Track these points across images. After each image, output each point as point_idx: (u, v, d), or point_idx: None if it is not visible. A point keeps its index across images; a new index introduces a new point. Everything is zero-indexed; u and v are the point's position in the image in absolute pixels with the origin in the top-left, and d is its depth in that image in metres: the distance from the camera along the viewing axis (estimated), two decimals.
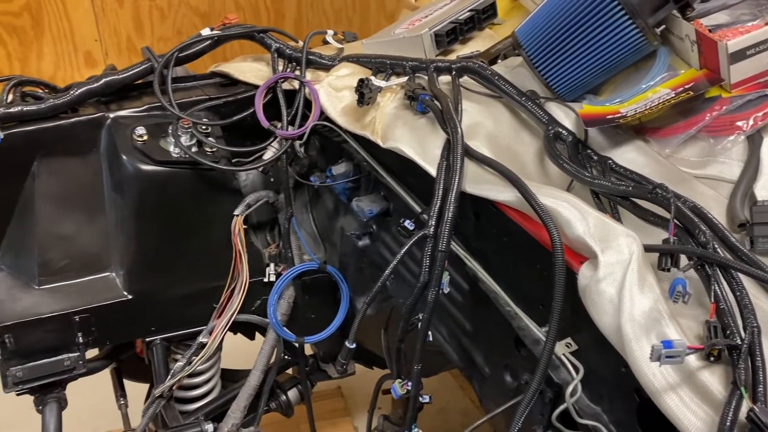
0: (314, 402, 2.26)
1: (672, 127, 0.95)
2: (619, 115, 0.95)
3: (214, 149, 1.25)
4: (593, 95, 1.03)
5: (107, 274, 1.28)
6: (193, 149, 1.23)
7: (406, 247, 0.92)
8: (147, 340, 1.33)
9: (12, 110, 1.20)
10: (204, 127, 1.26)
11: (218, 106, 1.32)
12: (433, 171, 0.96)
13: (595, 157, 0.95)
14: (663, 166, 0.93)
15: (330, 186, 1.34)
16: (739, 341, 0.63)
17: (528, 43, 1.04)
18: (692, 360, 0.65)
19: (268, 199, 1.35)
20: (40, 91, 1.31)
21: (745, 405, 0.60)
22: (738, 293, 0.68)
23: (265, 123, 1.25)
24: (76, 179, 1.25)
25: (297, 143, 1.27)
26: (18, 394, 1.22)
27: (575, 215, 0.79)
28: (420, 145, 1.00)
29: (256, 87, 1.33)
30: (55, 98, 1.24)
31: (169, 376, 1.31)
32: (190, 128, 1.22)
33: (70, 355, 1.24)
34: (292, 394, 1.57)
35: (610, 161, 0.93)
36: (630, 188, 0.85)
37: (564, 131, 0.97)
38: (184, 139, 1.22)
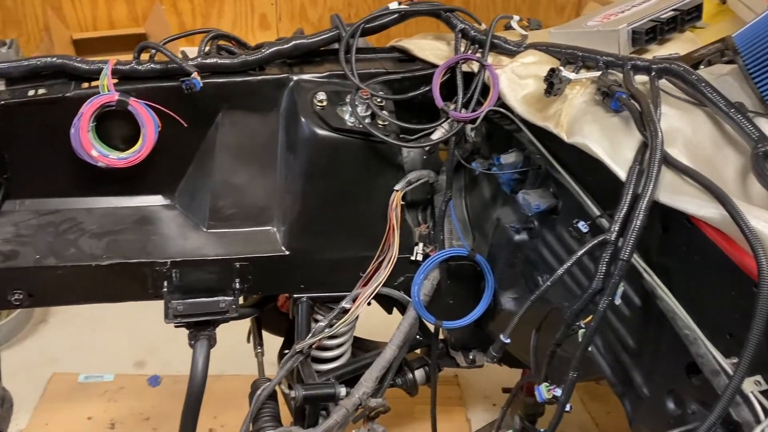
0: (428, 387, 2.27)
1: None
2: None
3: (386, 123, 1.27)
4: None
5: (269, 228, 1.34)
6: (367, 120, 1.25)
7: (585, 249, 0.88)
8: (294, 296, 1.38)
9: (208, 61, 1.27)
10: (379, 100, 1.27)
11: (394, 81, 1.33)
12: (623, 174, 0.90)
13: None
14: None
15: (492, 174, 1.32)
16: None
17: (747, 51, 0.95)
18: None
19: (428, 179, 1.34)
20: (233, 46, 1.38)
21: None
22: None
23: (440, 102, 1.24)
24: (254, 134, 1.31)
25: (468, 127, 1.25)
26: (176, 326, 1.31)
27: None
28: (611, 144, 0.95)
29: (433, 66, 1.32)
30: (246, 54, 1.30)
31: (311, 334, 1.35)
32: (368, 99, 1.24)
33: (226, 298, 1.31)
34: (419, 374, 1.58)
35: None
36: None
37: None
38: (360, 109, 1.24)
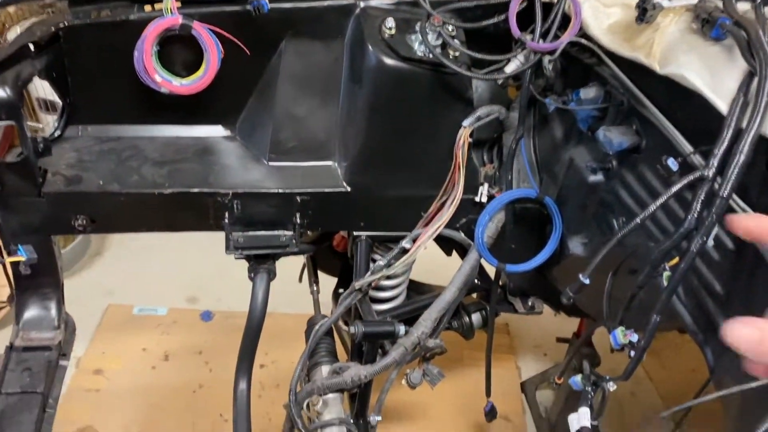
0: (480, 333, 2.26)
1: None
2: None
3: (458, 53, 1.20)
4: None
5: (330, 163, 1.30)
6: (438, 50, 1.18)
7: (680, 185, 0.81)
8: (354, 234, 1.35)
9: None
10: (451, 29, 1.21)
11: (467, 9, 1.26)
12: (724, 107, 0.83)
13: None
14: None
15: (566, 112, 1.25)
16: None
17: None
18: None
19: (499, 115, 1.28)
20: None
21: None
22: None
23: (516, 32, 1.17)
24: (318, 63, 1.27)
25: (546, 59, 1.18)
26: (236, 258, 1.30)
27: None
28: (711, 74, 0.87)
29: None
30: None
31: (369, 273, 1.33)
32: (439, 27, 1.18)
33: (286, 232, 1.29)
34: (476, 318, 1.56)
35: None
36: None
37: None
38: (431, 38, 1.18)
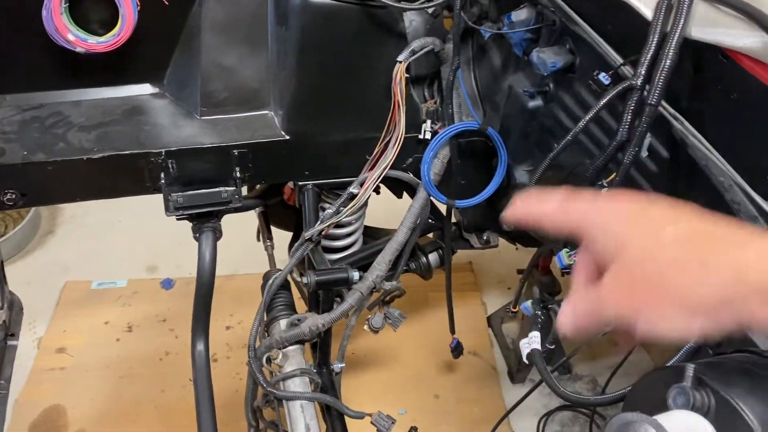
0: (442, 273, 2.27)
1: None
2: None
3: None
4: None
5: (266, 112, 1.26)
6: None
7: (609, 97, 0.80)
8: (299, 183, 1.32)
9: None
10: None
11: None
12: (648, 12, 0.81)
13: None
14: None
15: (501, 38, 1.22)
16: None
17: None
18: None
19: (433, 47, 1.25)
20: None
21: None
22: None
23: None
24: (242, 8, 1.21)
25: None
26: (177, 219, 1.27)
27: None
28: None
29: None
30: None
31: (319, 222, 1.31)
32: None
33: (227, 188, 1.25)
34: (433, 257, 1.55)
35: None
36: None
37: None
38: None
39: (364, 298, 1.30)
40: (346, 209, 1.31)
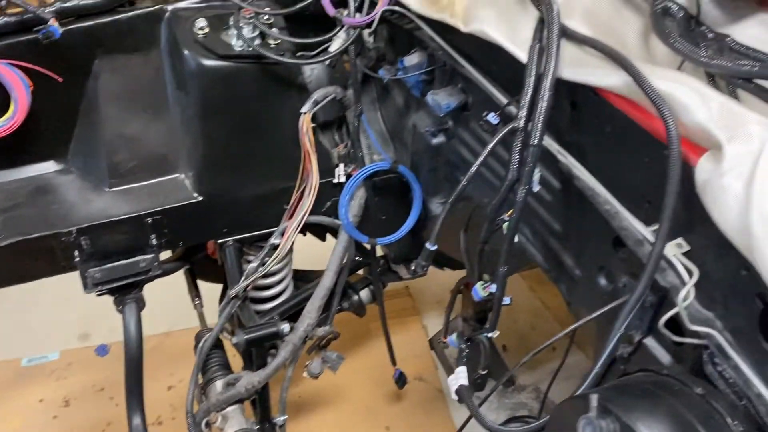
0: (384, 302, 2.28)
1: None
2: None
3: (278, 41, 1.18)
4: None
5: (177, 175, 1.26)
6: (256, 42, 1.16)
7: (495, 141, 0.84)
8: (219, 241, 1.32)
9: (69, 4, 1.15)
10: (267, 18, 1.18)
11: None
12: (523, 56, 0.86)
13: (710, 35, 0.83)
14: None
15: (401, 80, 1.26)
16: None
17: None
18: None
19: (335, 95, 1.27)
20: None
21: None
22: None
23: (330, 10, 1.16)
24: (139, 77, 1.21)
25: (365, 32, 1.18)
26: (98, 295, 1.24)
27: (695, 100, 0.69)
28: (508, 26, 0.90)
29: None
30: None
31: (243, 277, 1.31)
32: (253, 19, 1.14)
33: (145, 256, 1.24)
34: (364, 294, 1.57)
35: (728, 39, 0.81)
36: (756, 68, 0.73)
37: (673, 5, 0.85)
38: (247, 31, 1.15)
39: (298, 348, 1.31)
40: (270, 261, 1.32)
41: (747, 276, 0.66)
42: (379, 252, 1.60)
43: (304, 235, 1.44)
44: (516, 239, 0.92)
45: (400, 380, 1.74)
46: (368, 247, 1.46)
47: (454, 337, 1.11)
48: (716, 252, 0.70)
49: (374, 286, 1.53)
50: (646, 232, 0.77)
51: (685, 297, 0.70)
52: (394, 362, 1.71)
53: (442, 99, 1.10)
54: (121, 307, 1.26)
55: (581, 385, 0.75)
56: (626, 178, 0.80)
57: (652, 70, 0.73)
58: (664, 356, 0.79)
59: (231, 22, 1.16)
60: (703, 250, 0.72)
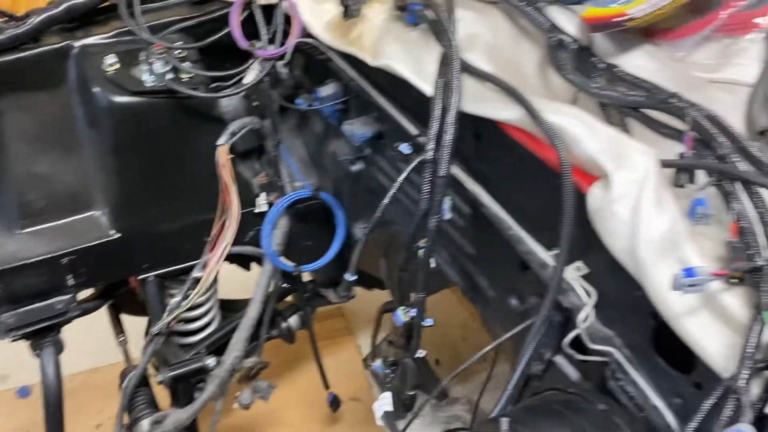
0: (316, 324, 2.26)
1: (684, 27, 0.88)
2: (627, 17, 0.87)
3: (191, 75, 1.17)
4: None
5: (91, 213, 1.23)
6: (168, 76, 1.15)
7: (405, 174, 0.87)
8: (140, 277, 1.29)
9: None
10: (179, 52, 1.17)
11: (193, 27, 1.23)
12: (429, 90, 0.89)
13: (601, 66, 0.89)
14: (675, 71, 0.86)
15: (318, 109, 1.27)
16: (761, 262, 0.59)
17: None
18: (713, 283, 0.62)
19: (252, 126, 1.27)
20: None
21: None
22: (760, 210, 0.64)
23: (242, 43, 1.16)
24: (47, 115, 1.18)
25: (279, 64, 1.18)
26: (13, 341, 1.20)
27: (584, 132, 0.73)
28: (414, 61, 0.93)
29: (231, 3, 1.23)
30: (14, 28, 1.14)
31: (166, 313, 1.28)
32: (164, 54, 1.14)
33: (62, 297, 1.20)
34: (293, 321, 1.57)
35: (617, 69, 0.87)
36: (641, 98, 0.79)
37: (567, 38, 0.90)
38: (158, 66, 1.14)
39: (226, 381, 1.29)
40: (192, 295, 1.30)
41: (640, 296, 0.70)
42: (309, 277, 1.60)
43: (231, 262, 1.43)
44: (434, 264, 0.94)
45: (334, 403, 1.75)
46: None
47: (379, 362, 1.13)
48: (612, 274, 0.74)
49: (303, 313, 1.53)
50: (548, 256, 0.81)
51: (585, 318, 0.74)
52: (327, 386, 1.71)
53: (357, 129, 1.12)
54: (38, 351, 1.22)
55: (495, 407, 0.78)
56: (528, 205, 0.84)
57: (545, 105, 0.77)
58: (573, 373, 0.83)
59: (142, 58, 1.14)
60: (602, 272, 0.76)
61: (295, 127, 1.43)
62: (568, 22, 0.92)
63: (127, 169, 1.19)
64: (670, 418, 0.69)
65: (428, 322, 1.15)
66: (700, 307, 0.62)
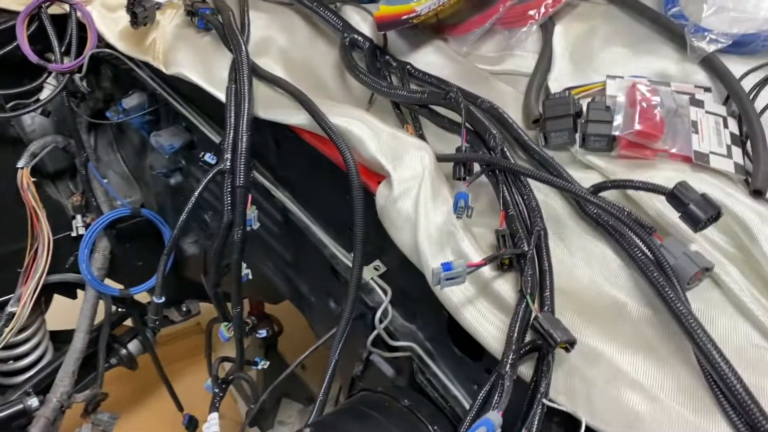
0: (175, 342, 2.17)
1: (468, 22, 0.91)
2: (414, 14, 0.89)
3: None
4: None
5: None
6: None
7: (201, 186, 0.82)
8: None
9: None
10: None
11: None
12: (222, 96, 0.86)
13: (394, 63, 0.90)
14: (461, 65, 0.89)
15: (129, 121, 1.20)
16: (525, 247, 0.62)
17: None
18: (486, 270, 0.63)
19: (56, 145, 1.19)
20: None
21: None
22: (525, 197, 0.67)
23: (33, 57, 1.07)
24: None
25: (77, 77, 1.10)
26: None
27: (367, 134, 0.73)
28: (205, 68, 0.89)
29: (16, 14, 1.13)
30: None
31: None
32: None
33: None
34: (133, 346, 1.48)
35: (408, 66, 0.88)
36: (425, 95, 0.80)
37: (360, 38, 0.90)
38: None
39: (52, 421, 1.20)
40: (8, 331, 1.19)
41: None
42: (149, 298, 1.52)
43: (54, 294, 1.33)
44: (251, 276, 0.91)
45: (191, 424, 1.67)
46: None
47: (208, 382, 1.09)
48: (407, 269, 0.75)
49: (142, 336, 1.45)
50: (350, 259, 0.81)
51: (384, 315, 0.75)
52: (180, 408, 1.64)
53: (165, 140, 1.07)
54: None
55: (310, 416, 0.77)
56: (329, 208, 0.84)
57: (330, 108, 0.76)
58: (388, 370, 0.84)
59: None
60: (398, 269, 0.77)
61: (112, 142, 1.35)
62: (362, 21, 0.93)
63: None
64: (467, 405, 0.71)
65: (262, 332, 1.13)
66: (478, 296, 0.64)
